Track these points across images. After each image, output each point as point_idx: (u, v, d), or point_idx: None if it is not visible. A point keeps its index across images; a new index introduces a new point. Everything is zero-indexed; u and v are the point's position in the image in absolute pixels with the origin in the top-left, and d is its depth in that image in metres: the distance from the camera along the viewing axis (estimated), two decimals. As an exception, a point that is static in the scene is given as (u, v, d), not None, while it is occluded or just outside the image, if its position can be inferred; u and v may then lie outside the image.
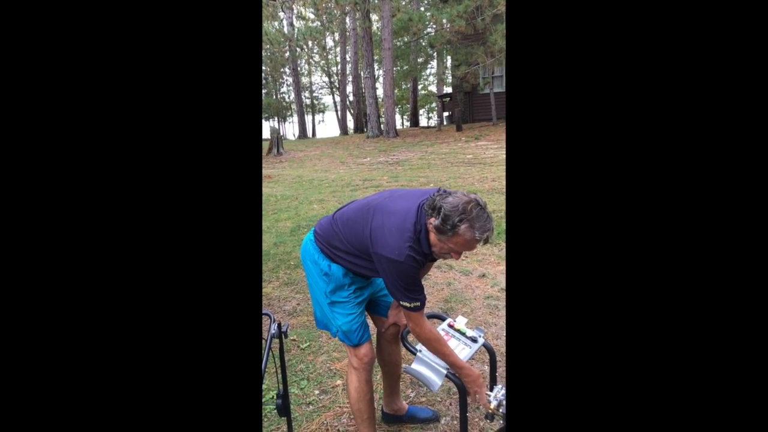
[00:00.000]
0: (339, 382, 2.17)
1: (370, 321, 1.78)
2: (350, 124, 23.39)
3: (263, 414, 1.90)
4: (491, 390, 1.38)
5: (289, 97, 27.27)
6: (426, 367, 1.42)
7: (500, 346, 2.38)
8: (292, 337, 2.58)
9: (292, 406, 1.91)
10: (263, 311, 1.31)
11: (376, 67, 15.20)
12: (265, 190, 7.12)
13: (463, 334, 1.50)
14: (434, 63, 20.39)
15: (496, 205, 5.14)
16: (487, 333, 2.51)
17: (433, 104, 25.08)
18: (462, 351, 1.43)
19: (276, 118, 27.63)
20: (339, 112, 24.63)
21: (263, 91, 25.49)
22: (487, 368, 2.16)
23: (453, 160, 8.58)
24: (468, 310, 2.81)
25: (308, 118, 26.84)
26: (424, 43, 15.55)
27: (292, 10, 19.60)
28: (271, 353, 1.42)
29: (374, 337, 1.78)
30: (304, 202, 6.17)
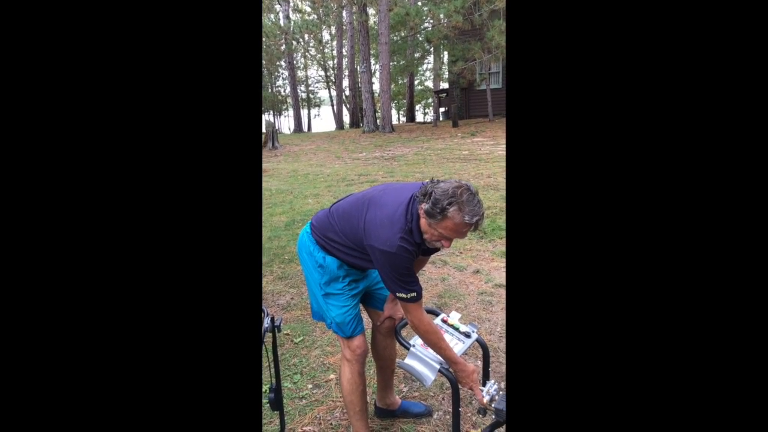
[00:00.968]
0: (332, 376, 2.17)
1: (365, 315, 1.78)
2: (346, 118, 23.32)
3: (256, 408, 1.90)
4: (484, 385, 1.39)
5: (284, 91, 27.14)
6: (419, 362, 1.42)
7: (493, 341, 2.39)
8: (285, 332, 2.57)
9: (285, 401, 1.91)
10: (256, 305, 1.30)
11: (372, 61, 15.12)
12: (260, 184, 7.08)
13: (457, 329, 1.50)
14: (431, 58, 20.33)
15: (491, 201, 5.15)
16: (481, 328, 2.51)
17: (430, 100, 25.04)
18: (455, 346, 1.44)
19: (271, 112, 27.49)
20: (335, 107, 24.53)
21: (259, 84, 25.25)
22: (480, 363, 2.17)
23: (449, 156, 8.58)
24: (462, 306, 2.81)
25: (304, 113, 26.72)
26: (421, 38, 15.49)
27: (289, 2, 19.46)
28: (264, 347, 1.41)
29: (369, 331, 1.78)
30: (299, 196, 6.15)
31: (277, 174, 8.15)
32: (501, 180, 6.24)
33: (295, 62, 23.43)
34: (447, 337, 1.47)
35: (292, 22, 18.40)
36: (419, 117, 24.54)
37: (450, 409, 1.85)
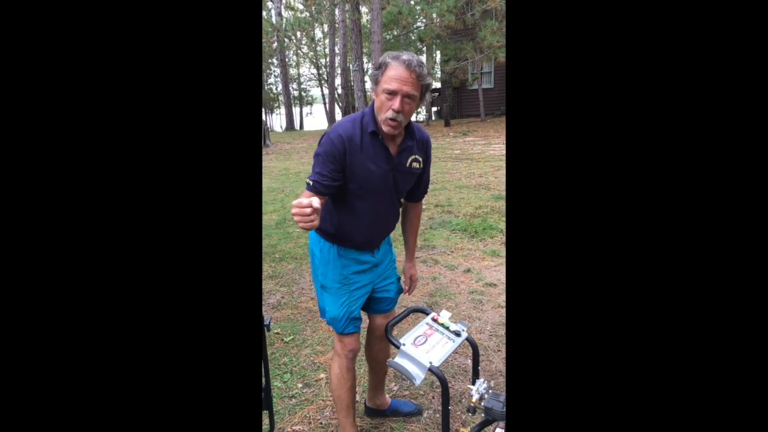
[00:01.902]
0: (322, 375, 2.16)
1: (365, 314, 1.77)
2: (338, 116, 23.24)
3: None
4: (473, 384, 1.39)
5: (276, 89, 26.96)
6: (409, 360, 1.42)
7: (483, 340, 2.40)
8: (275, 331, 2.56)
9: (274, 400, 1.90)
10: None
11: (365, 60, 15.09)
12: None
13: (447, 328, 1.51)
14: (423, 57, 20.33)
15: (483, 200, 5.17)
16: (471, 327, 2.52)
17: (422, 99, 24.95)
18: (445, 345, 1.44)
19: (263, 110, 27.31)
20: (327, 105, 24.43)
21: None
22: (470, 362, 2.17)
23: (440, 155, 8.59)
24: (452, 305, 2.82)
25: (296, 110, 26.60)
26: (413, 37, 15.49)
27: None
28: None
29: (365, 331, 1.77)
30: (290, 194, 6.13)
31: (268, 172, 8.10)
32: (492, 179, 6.27)
33: (287, 60, 23.32)
34: (437, 335, 1.48)
35: (284, 20, 18.29)
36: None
37: (440, 408, 1.86)
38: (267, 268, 3.51)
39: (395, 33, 15.95)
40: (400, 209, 1.64)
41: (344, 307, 1.52)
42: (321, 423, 1.84)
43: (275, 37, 18.58)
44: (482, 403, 1.33)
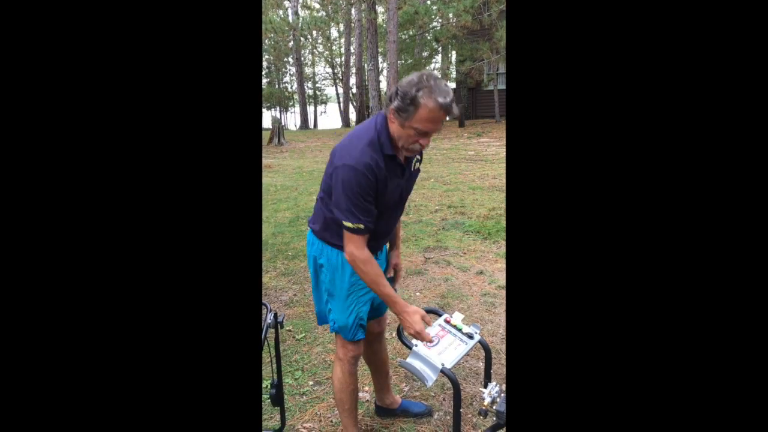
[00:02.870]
0: (333, 373, 2.17)
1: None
2: (352, 116, 23.28)
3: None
4: (485, 387, 1.38)
5: (291, 87, 27.14)
6: (421, 361, 1.42)
7: (496, 343, 2.38)
8: (288, 328, 2.57)
9: (285, 396, 1.91)
10: (260, 301, 1.30)
11: (380, 59, 15.09)
12: (265, 179, 7.10)
13: (460, 330, 1.50)
14: (439, 57, 20.27)
15: (496, 202, 5.13)
16: (484, 330, 2.51)
17: (437, 99, 24.85)
18: (458, 347, 1.43)
19: (278, 108, 27.51)
20: (341, 104, 24.52)
21: (266, 80, 25.37)
22: (482, 365, 2.16)
23: (454, 156, 8.56)
24: (465, 307, 2.81)
25: (310, 109, 26.72)
26: (429, 37, 15.46)
27: (298, -1, 19.45)
28: (266, 343, 1.41)
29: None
30: (303, 193, 6.16)
31: (282, 170, 8.16)
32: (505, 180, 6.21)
33: (302, 59, 23.44)
34: (449, 337, 1.47)
35: (301, 19, 18.39)
36: (426, 116, 24.37)
37: (450, 410, 1.85)
38: (280, 266, 3.53)
39: (411, 33, 15.94)
40: None
41: (353, 314, 1.52)
42: (331, 421, 1.84)
43: (291, 36, 18.70)
44: (494, 407, 1.32)
